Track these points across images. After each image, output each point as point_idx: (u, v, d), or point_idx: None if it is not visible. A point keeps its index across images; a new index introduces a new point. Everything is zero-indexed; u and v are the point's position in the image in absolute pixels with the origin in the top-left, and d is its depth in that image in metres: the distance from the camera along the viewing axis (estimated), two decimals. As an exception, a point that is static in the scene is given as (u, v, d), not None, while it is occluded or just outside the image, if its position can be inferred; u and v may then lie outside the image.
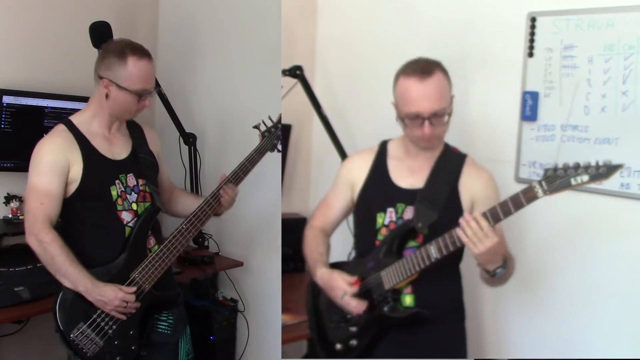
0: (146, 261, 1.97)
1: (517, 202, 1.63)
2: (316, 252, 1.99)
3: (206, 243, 2.98)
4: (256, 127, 2.30)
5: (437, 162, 1.89)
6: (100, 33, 2.57)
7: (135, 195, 2.02)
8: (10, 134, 2.58)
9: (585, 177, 1.55)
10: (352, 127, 2.92)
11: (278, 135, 2.33)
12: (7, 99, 2.53)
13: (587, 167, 1.56)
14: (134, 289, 1.93)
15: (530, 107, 2.31)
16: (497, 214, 1.65)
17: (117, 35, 2.63)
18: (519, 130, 2.36)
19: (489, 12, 2.44)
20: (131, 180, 2.02)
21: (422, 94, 1.75)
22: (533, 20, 2.30)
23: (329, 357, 1.95)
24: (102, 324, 1.91)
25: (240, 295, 2.93)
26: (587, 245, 2.21)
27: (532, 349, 2.37)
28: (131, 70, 1.92)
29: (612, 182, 2.09)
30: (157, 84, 2.89)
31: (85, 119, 2.00)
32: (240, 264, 2.94)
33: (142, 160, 2.08)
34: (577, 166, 1.57)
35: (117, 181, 1.98)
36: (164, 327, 2.09)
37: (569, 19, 2.21)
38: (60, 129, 1.96)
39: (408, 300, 1.85)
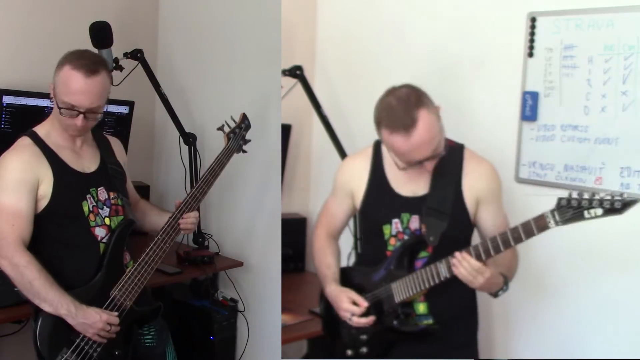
0: (125, 277, 1.88)
1: (528, 229, 1.63)
2: (324, 265, 1.98)
3: (206, 243, 2.98)
4: (220, 129, 2.24)
5: (436, 165, 1.84)
6: (100, 33, 2.57)
7: (108, 210, 1.93)
8: (10, 134, 2.57)
9: (599, 211, 1.54)
10: (352, 127, 2.92)
11: (243, 136, 2.28)
12: (7, 99, 2.53)
13: (602, 201, 1.54)
14: (116, 313, 1.84)
15: (530, 107, 2.31)
16: (508, 240, 1.66)
17: (117, 35, 2.64)
18: (519, 130, 2.36)
19: (489, 12, 2.44)
20: (102, 194, 1.93)
21: (407, 139, 1.70)
22: (533, 20, 2.30)
23: (344, 355, 1.94)
24: (87, 347, 1.81)
25: (240, 295, 2.93)
26: (588, 245, 2.21)
27: (539, 348, 2.36)
28: (62, 75, 1.81)
29: (612, 182, 2.11)
30: (157, 84, 2.90)
31: (49, 130, 1.90)
32: (240, 264, 2.93)
33: (111, 172, 1.98)
34: (592, 198, 1.55)
35: (88, 196, 1.89)
36: (149, 340, 2.03)
37: (569, 19, 2.21)
38: (26, 142, 1.85)
39: (421, 308, 1.84)
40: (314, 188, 3.16)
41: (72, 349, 1.79)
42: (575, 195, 1.57)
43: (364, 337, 1.89)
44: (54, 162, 1.85)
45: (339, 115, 2.91)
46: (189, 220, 2.01)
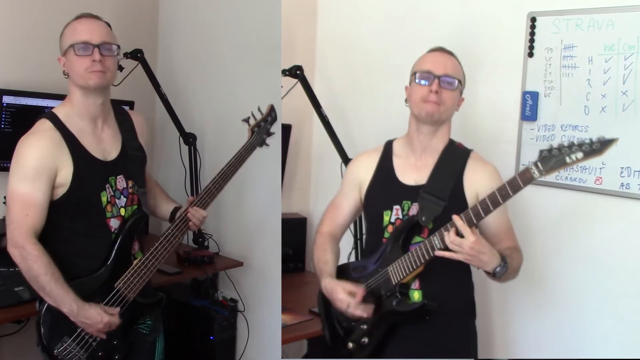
0: (132, 270, 1.87)
1: (515, 184, 1.64)
2: (322, 261, 2.00)
3: (206, 243, 2.98)
4: (245, 120, 2.15)
5: (441, 157, 1.90)
6: (100, 33, 2.56)
7: (124, 200, 1.90)
8: (10, 134, 2.58)
9: (580, 154, 1.57)
10: (352, 127, 2.92)
11: (267, 130, 2.19)
12: (7, 99, 2.53)
13: (581, 144, 1.57)
14: (117, 309, 1.83)
15: (530, 107, 2.31)
16: (496, 199, 1.67)
17: (117, 35, 2.63)
18: (519, 130, 2.36)
19: (489, 12, 2.44)
20: (121, 182, 1.90)
21: (437, 59, 1.88)
22: (533, 20, 2.30)
23: (344, 357, 1.95)
24: (87, 337, 1.81)
25: (240, 295, 2.93)
26: (588, 245, 2.21)
27: (539, 348, 2.36)
28: (67, 31, 1.83)
29: (612, 182, 2.11)
30: (157, 84, 2.90)
31: (69, 112, 1.84)
32: (240, 264, 2.94)
33: (131, 158, 1.94)
34: (571, 144, 1.58)
35: (107, 185, 1.86)
36: (141, 327, 2.01)
37: (569, 19, 2.21)
38: (46, 126, 1.78)
39: (416, 295, 1.86)
40: (314, 188, 3.16)
41: (73, 337, 1.79)
42: (555, 145, 1.61)
43: (364, 326, 1.90)
44: (74, 149, 1.79)
45: (339, 115, 2.91)
46: (197, 214, 1.99)
